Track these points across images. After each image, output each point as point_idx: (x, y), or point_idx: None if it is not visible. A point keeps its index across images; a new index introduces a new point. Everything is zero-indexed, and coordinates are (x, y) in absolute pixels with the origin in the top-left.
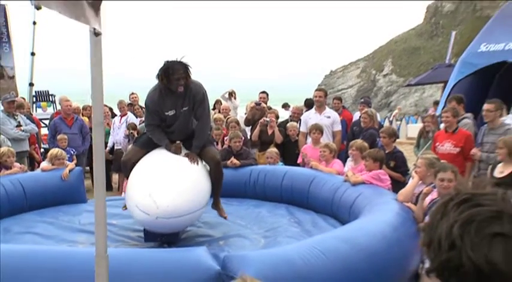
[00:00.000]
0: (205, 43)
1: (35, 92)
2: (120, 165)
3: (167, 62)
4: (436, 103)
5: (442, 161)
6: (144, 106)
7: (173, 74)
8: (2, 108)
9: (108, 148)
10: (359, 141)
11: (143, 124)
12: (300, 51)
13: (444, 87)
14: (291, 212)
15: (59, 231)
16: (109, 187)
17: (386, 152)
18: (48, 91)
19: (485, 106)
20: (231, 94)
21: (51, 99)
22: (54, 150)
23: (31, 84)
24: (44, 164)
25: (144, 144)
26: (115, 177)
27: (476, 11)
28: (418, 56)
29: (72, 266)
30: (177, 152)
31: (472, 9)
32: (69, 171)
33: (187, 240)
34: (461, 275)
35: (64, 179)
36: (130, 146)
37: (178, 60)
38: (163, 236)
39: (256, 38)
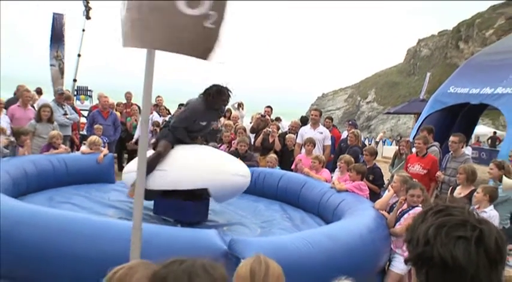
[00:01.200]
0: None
1: (77, 87)
2: None
3: (217, 85)
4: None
5: (413, 179)
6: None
7: (221, 96)
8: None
9: (134, 139)
10: (347, 156)
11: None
12: (296, 72)
13: (417, 118)
14: (283, 209)
15: (92, 204)
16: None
17: (367, 166)
18: (87, 87)
19: (451, 138)
20: (240, 105)
21: (89, 94)
22: (92, 137)
23: (74, 80)
24: (84, 148)
25: (172, 140)
26: None
27: (447, 59)
28: (397, 89)
29: (109, 234)
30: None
31: (444, 56)
32: (104, 156)
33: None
34: (432, 265)
35: (99, 162)
36: (163, 141)
37: (225, 85)
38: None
39: (266, 54)
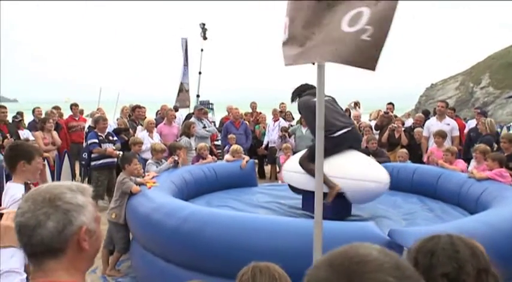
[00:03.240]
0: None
1: (200, 101)
2: (273, 158)
3: (305, 84)
4: None
5: None
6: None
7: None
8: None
9: (263, 145)
10: (482, 145)
11: (294, 127)
12: (401, 63)
13: None
14: (422, 201)
15: (244, 206)
16: (262, 175)
17: (506, 154)
18: (209, 100)
19: None
20: (356, 104)
21: (210, 107)
22: (234, 146)
23: (198, 96)
24: (227, 156)
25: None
26: (267, 168)
27: None
28: None
29: (289, 231)
30: None
31: None
32: (246, 162)
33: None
34: None
35: (242, 168)
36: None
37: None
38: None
39: None
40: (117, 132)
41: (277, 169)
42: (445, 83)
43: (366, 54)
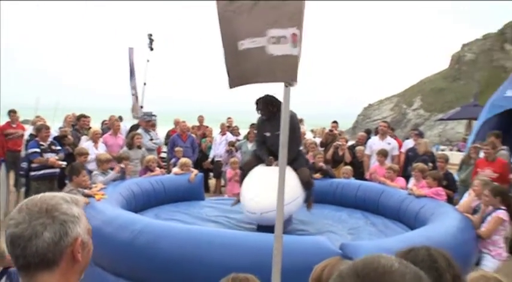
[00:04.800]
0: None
1: (143, 113)
2: (218, 172)
3: (266, 95)
4: (464, 139)
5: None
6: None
7: (267, 105)
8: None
9: (209, 159)
10: (421, 164)
11: (240, 142)
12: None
13: (468, 123)
14: (365, 216)
15: (193, 220)
16: (207, 189)
17: (441, 173)
18: (152, 112)
19: None
20: (300, 121)
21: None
22: (183, 160)
23: (141, 107)
24: (176, 169)
25: (254, 158)
26: (211, 181)
27: (493, 61)
28: (443, 95)
29: (245, 245)
30: (269, 164)
31: (489, 59)
32: (194, 175)
33: (290, 233)
34: None
35: (191, 181)
36: (247, 158)
37: (272, 94)
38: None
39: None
40: (58, 139)
41: (222, 183)
42: (381, 103)
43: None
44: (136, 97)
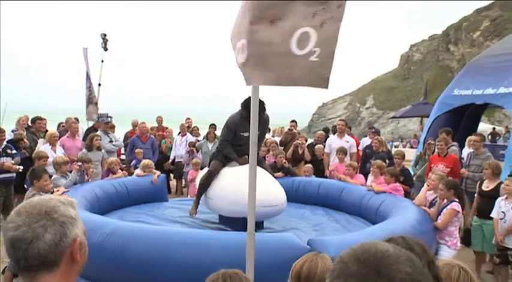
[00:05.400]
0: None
1: (99, 114)
2: (179, 173)
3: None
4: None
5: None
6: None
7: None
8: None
9: (170, 160)
10: (379, 161)
11: (200, 142)
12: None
13: (421, 121)
14: (328, 213)
15: (159, 221)
16: (168, 190)
17: (398, 169)
18: (107, 113)
19: (473, 138)
20: None
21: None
22: (145, 161)
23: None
24: (138, 171)
25: (222, 159)
26: (172, 182)
27: (439, 61)
28: (394, 93)
29: (217, 243)
30: (245, 163)
31: (436, 59)
32: (157, 177)
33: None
34: None
35: (154, 183)
36: (214, 161)
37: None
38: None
39: None
40: (12, 143)
41: (183, 183)
42: (335, 102)
43: (316, 74)
44: (92, 99)
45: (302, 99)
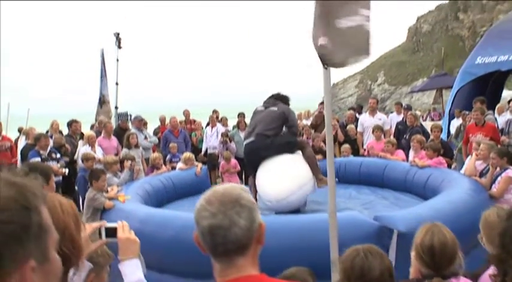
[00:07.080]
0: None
1: (118, 113)
2: (213, 164)
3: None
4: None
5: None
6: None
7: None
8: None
9: (202, 152)
10: (419, 136)
11: (232, 131)
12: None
13: (439, 92)
14: (373, 191)
15: None
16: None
17: (437, 142)
18: (127, 112)
19: None
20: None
21: (129, 119)
22: (186, 154)
23: (116, 108)
24: (180, 165)
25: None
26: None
27: (449, 31)
28: (405, 67)
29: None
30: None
31: (445, 29)
32: (200, 169)
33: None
34: None
35: (198, 175)
36: (304, 144)
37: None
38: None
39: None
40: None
41: (217, 174)
42: (345, 82)
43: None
44: (107, 99)
45: (312, 82)
